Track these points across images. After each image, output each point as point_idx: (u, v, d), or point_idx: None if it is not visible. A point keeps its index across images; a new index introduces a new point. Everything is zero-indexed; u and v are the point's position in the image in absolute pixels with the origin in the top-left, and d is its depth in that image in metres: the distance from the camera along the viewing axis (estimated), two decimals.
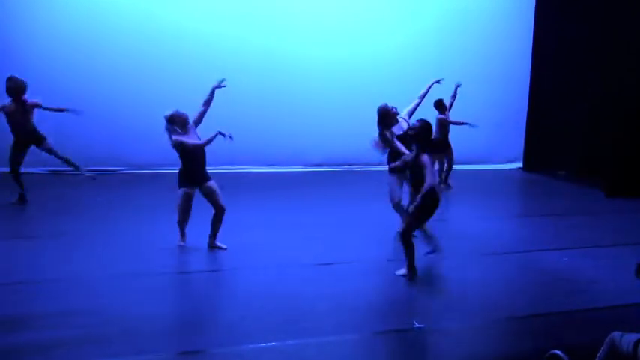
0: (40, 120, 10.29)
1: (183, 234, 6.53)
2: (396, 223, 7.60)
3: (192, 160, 6.27)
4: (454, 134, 10.73)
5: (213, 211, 6.47)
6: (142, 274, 5.61)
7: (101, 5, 10.76)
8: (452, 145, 10.55)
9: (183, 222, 6.47)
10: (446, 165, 10.66)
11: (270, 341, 4.25)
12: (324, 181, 11.00)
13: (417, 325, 4.59)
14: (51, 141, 8.23)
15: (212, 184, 6.40)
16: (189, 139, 6.24)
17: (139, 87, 10.83)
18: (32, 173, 10.28)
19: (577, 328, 4.68)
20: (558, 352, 3.59)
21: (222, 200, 6.42)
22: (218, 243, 6.52)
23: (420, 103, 7.34)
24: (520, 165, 13.22)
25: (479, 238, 7.24)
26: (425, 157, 5.47)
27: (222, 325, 4.56)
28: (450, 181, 10.58)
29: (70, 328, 4.40)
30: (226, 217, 6.87)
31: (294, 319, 4.66)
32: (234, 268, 5.94)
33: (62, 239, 6.64)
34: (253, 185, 10.41)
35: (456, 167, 12.41)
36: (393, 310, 5.04)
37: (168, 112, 6.26)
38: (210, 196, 6.38)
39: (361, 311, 4.94)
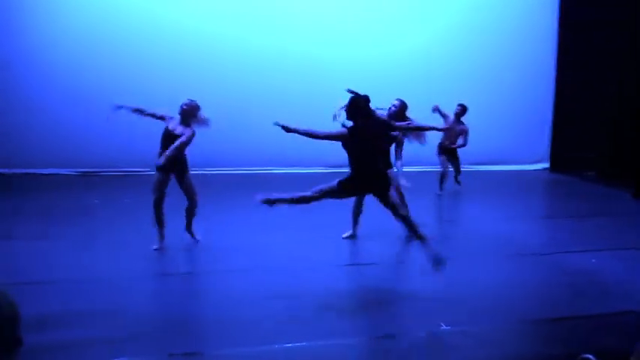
0: (62, 121, 10.54)
1: (160, 234, 6.41)
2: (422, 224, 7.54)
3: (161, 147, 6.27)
4: (478, 132, 10.54)
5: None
6: (164, 275, 5.66)
7: (116, 6, 10.84)
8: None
9: (156, 205, 6.33)
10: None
11: (296, 342, 4.24)
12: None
13: (443, 326, 4.54)
14: None
15: (187, 177, 6.41)
16: (171, 126, 6.25)
17: (159, 89, 10.89)
18: (58, 174, 10.45)
19: (607, 332, 4.58)
20: (590, 356, 3.52)
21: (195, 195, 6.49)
22: (194, 234, 6.65)
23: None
24: (546, 165, 13.04)
25: (504, 239, 7.15)
26: None
27: (241, 326, 4.54)
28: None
29: (94, 328, 4.43)
30: (247, 218, 6.87)
31: (316, 321, 4.64)
32: (253, 269, 5.91)
33: (85, 240, 6.70)
34: (274, 186, 10.35)
35: (480, 167, 12.32)
36: (418, 311, 4.98)
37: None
38: (185, 189, 6.44)
39: (386, 313, 4.91)
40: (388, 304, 5.08)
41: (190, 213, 6.59)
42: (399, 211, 5.34)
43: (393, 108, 7.00)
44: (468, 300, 5.18)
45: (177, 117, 6.33)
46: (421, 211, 8.60)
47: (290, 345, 4.21)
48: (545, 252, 6.73)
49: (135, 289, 5.29)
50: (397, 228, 7.53)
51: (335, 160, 11.70)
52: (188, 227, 6.64)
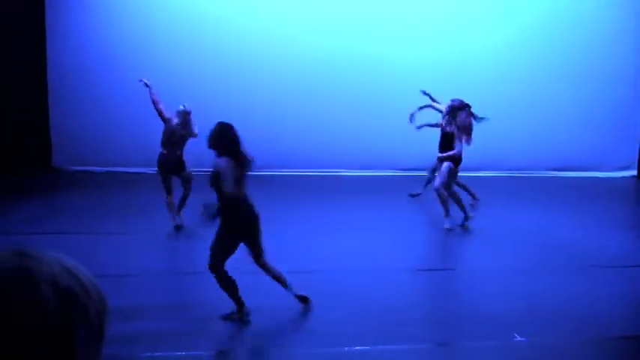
0: (143, 123, 10.98)
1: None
2: (502, 227, 7.40)
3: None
4: (562, 137, 10.11)
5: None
6: (243, 273, 5.76)
7: (191, 11, 11.19)
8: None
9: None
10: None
11: (366, 345, 4.25)
12: (415, 187, 10.73)
13: (517, 337, 4.42)
14: None
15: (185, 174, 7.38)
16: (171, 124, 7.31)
17: (233, 89, 11.19)
18: (140, 173, 10.89)
19: None
20: None
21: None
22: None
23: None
24: (634, 173, 12.38)
25: (585, 249, 6.86)
26: (222, 161, 4.55)
27: (318, 327, 4.60)
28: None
29: (176, 321, 4.60)
30: (321, 220, 6.89)
31: (389, 325, 4.63)
32: (329, 271, 5.97)
33: (172, 236, 6.97)
34: (346, 188, 10.39)
35: (563, 174, 11.81)
36: (492, 321, 4.87)
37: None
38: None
39: (459, 320, 4.83)
40: (460, 312, 4.99)
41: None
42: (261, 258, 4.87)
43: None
44: (544, 311, 5.01)
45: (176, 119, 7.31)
46: (498, 218, 8.43)
47: (368, 347, 4.22)
48: (628, 264, 6.40)
49: (204, 284, 5.44)
50: (468, 235, 7.42)
51: (406, 162, 11.70)
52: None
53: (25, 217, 7.62)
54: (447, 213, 7.41)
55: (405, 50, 11.61)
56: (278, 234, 7.07)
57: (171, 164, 7.30)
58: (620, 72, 12.09)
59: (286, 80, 11.10)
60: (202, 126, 11.10)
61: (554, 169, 11.96)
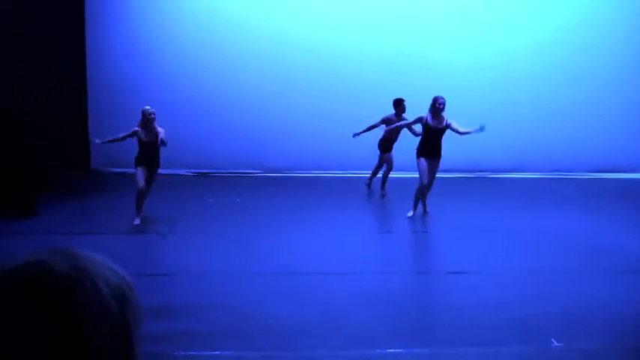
0: (181, 127, 11.14)
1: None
2: (541, 229, 7.29)
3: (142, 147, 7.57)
4: (599, 137, 9.90)
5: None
6: (277, 274, 5.82)
7: (224, 21, 11.34)
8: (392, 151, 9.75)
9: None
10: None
11: (398, 348, 4.22)
12: (455, 188, 10.61)
13: (555, 343, 4.33)
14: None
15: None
16: (142, 133, 7.49)
17: (274, 96, 11.27)
18: (177, 175, 11.05)
19: None
20: None
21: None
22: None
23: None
24: None
25: (626, 253, 6.68)
26: None
27: (350, 329, 4.59)
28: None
29: (209, 321, 4.65)
30: (346, 222, 6.82)
31: (422, 328, 4.60)
32: (359, 272, 5.95)
33: (206, 237, 7.05)
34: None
35: (602, 175, 11.53)
36: (528, 326, 4.78)
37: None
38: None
39: (494, 325, 4.75)
40: (495, 315, 4.92)
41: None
42: None
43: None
44: (583, 316, 4.89)
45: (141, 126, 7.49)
46: (537, 220, 8.28)
47: (401, 350, 4.19)
48: None
49: (238, 284, 5.49)
50: (505, 237, 7.31)
51: (442, 165, 11.54)
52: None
53: (66, 217, 7.82)
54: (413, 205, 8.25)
55: (441, 51, 11.52)
56: (305, 236, 7.08)
57: None
58: None
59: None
60: (232, 124, 11.32)
61: (595, 171, 11.71)
